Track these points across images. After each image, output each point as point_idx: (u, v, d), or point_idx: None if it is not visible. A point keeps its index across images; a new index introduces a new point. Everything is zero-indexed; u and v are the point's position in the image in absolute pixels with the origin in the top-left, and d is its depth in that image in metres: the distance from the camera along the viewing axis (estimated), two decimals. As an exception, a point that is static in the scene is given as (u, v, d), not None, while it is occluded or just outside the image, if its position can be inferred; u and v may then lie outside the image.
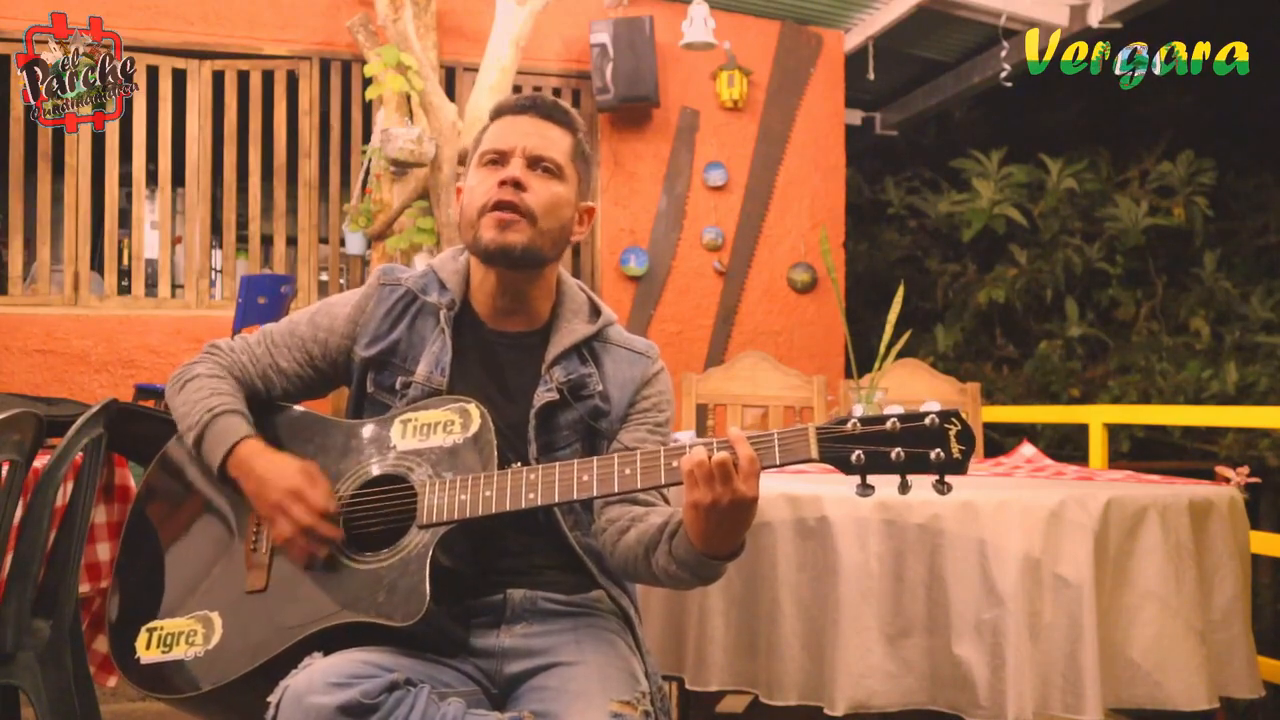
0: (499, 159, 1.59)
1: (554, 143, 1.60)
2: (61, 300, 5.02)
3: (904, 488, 1.37)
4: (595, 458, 1.45)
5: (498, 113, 1.65)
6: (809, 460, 1.37)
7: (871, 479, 1.37)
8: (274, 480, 1.50)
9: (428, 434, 1.54)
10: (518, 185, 1.56)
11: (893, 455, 1.34)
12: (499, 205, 1.56)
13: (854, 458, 1.35)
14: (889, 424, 1.35)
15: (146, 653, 1.51)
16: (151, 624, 1.53)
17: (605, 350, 1.67)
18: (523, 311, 1.65)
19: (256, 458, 1.54)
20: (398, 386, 1.61)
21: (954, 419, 1.34)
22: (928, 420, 1.34)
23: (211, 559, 1.58)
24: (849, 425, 1.36)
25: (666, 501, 1.62)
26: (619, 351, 1.68)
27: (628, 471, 1.42)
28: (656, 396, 1.67)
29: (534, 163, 1.58)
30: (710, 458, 1.33)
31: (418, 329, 1.64)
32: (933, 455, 1.33)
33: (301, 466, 1.53)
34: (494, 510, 1.44)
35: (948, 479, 1.36)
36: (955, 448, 1.33)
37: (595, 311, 1.70)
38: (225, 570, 1.55)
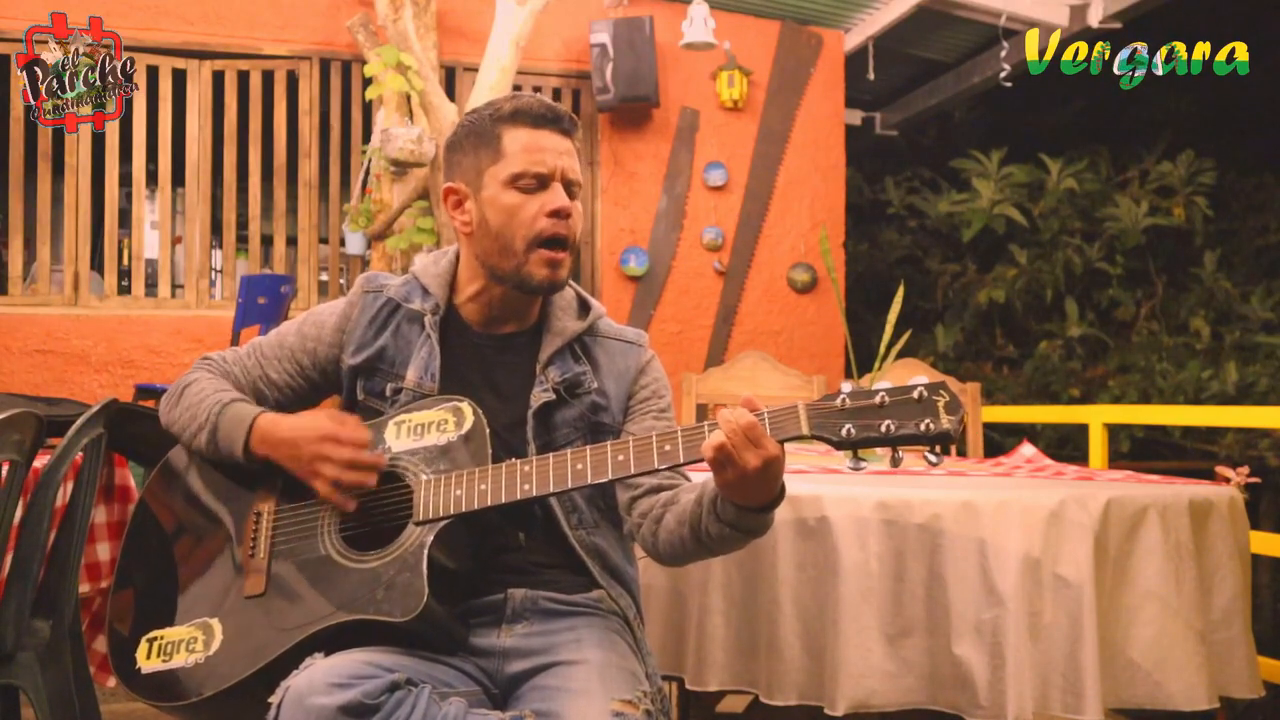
0: (538, 184, 1.56)
1: (576, 159, 1.60)
2: (61, 300, 5.02)
3: (895, 460, 1.39)
4: (588, 446, 1.46)
5: (515, 118, 1.57)
6: (800, 437, 1.38)
7: (864, 454, 1.39)
8: (304, 434, 1.51)
9: (422, 434, 1.54)
10: (568, 215, 1.56)
11: (882, 428, 1.35)
12: (555, 242, 1.55)
13: (844, 432, 1.36)
14: (878, 398, 1.36)
15: (147, 663, 1.51)
16: (151, 634, 1.54)
17: (597, 344, 1.68)
18: (513, 316, 1.65)
19: (279, 424, 1.55)
20: (388, 393, 1.62)
21: (942, 390, 1.35)
22: (916, 393, 1.35)
23: (210, 566, 1.58)
24: (838, 401, 1.37)
25: (688, 478, 1.62)
26: (610, 344, 1.69)
27: (620, 458, 1.42)
28: (654, 384, 1.69)
29: (568, 187, 1.58)
30: (719, 441, 1.34)
31: (403, 335, 1.64)
32: (922, 426, 1.34)
33: (326, 414, 1.54)
34: (489, 503, 1.45)
35: (939, 452, 1.37)
36: (944, 417, 1.34)
37: (584, 307, 1.70)
38: (224, 577, 1.56)
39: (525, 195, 1.55)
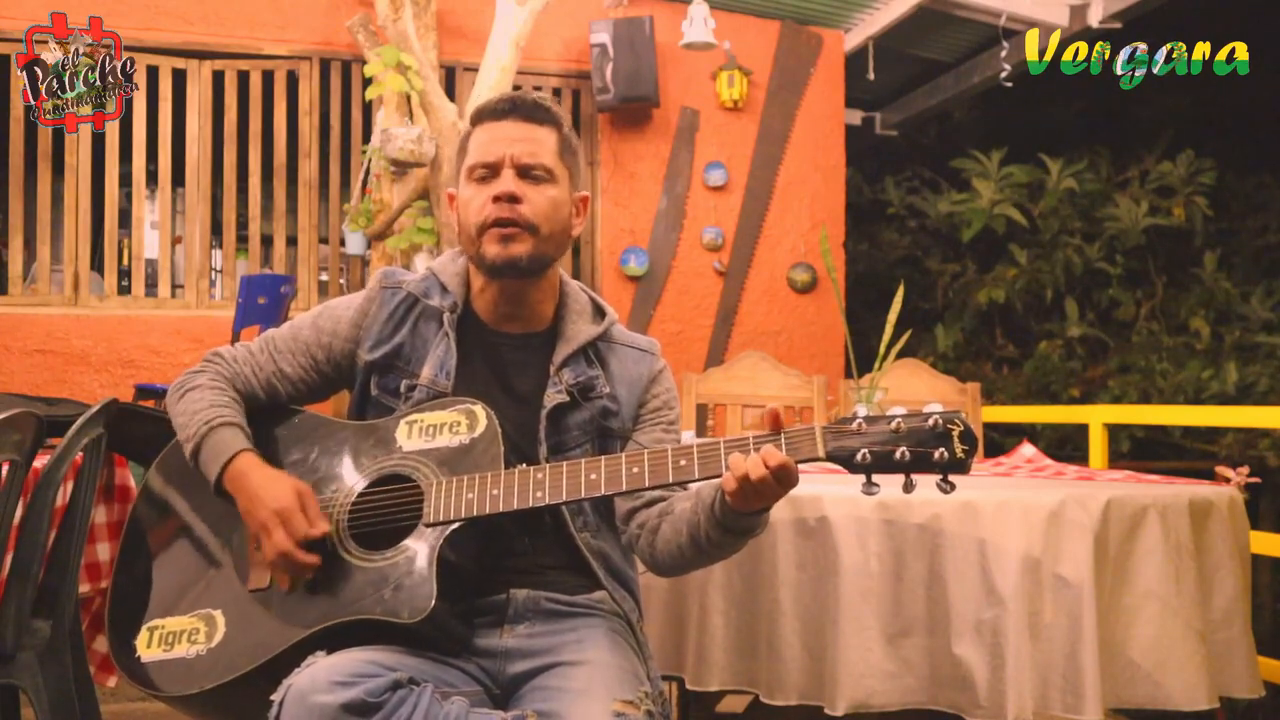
0: (489, 172, 1.59)
1: (541, 145, 1.59)
2: (61, 300, 5.02)
3: (909, 486, 1.39)
4: (603, 457, 1.46)
5: (479, 117, 1.63)
6: (815, 459, 1.38)
7: (876, 478, 1.39)
8: (265, 499, 1.49)
9: (434, 435, 1.54)
10: (513, 199, 1.56)
11: (897, 454, 1.36)
12: (498, 222, 1.56)
13: (860, 457, 1.37)
14: (894, 424, 1.37)
15: (147, 651, 1.51)
16: (153, 622, 1.53)
17: (610, 350, 1.68)
18: (525, 314, 1.66)
19: (251, 474, 1.53)
20: (402, 390, 1.61)
21: (956, 420, 1.37)
22: (931, 421, 1.37)
23: (214, 558, 1.58)
24: (854, 425, 1.38)
25: (684, 487, 1.62)
26: (623, 350, 1.69)
27: (635, 470, 1.43)
28: (665, 394, 1.70)
29: (524, 171, 1.58)
30: (757, 472, 1.36)
31: (420, 332, 1.64)
32: (936, 455, 1.36)
33: (294, 487, 1.50)
34: (500, 509, 1.45)
35: (951, 478, 1.38)
36: (958, 448, 1.36)
37: (599, 312, 1.71)
38: (228, 569, 1.55)
39: (478, 185, 1.59)
